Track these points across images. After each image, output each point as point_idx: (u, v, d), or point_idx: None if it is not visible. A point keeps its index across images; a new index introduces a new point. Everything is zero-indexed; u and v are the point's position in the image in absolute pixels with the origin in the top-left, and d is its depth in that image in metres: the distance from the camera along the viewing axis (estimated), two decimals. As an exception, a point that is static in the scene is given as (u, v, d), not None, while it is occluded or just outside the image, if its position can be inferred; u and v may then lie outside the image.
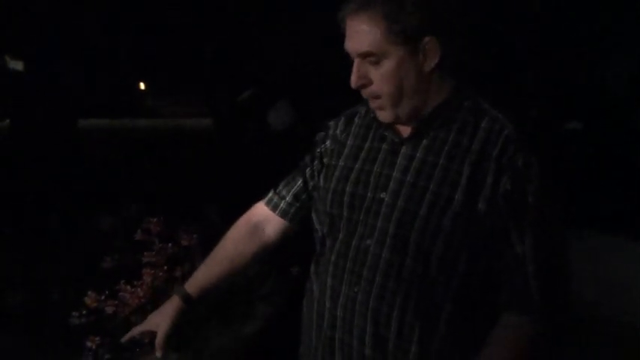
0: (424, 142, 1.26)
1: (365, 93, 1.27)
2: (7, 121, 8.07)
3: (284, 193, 1.50)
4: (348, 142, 1.38)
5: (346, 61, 1.28)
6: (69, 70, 6.72)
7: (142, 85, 13.44)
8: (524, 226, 1.19)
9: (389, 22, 1.19)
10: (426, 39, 1.21)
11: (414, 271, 1.21)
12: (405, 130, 1.30)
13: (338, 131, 1.42)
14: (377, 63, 1.22)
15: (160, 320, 1.46)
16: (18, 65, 7.97)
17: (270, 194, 1.52)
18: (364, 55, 1.23)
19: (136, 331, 1.50)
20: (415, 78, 1.23)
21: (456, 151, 1.23)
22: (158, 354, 1.43)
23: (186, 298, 1.48)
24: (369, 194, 1.28)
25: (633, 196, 5.56)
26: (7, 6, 6.17)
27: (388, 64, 1.22)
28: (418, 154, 1.26)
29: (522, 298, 1.20)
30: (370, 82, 1.25)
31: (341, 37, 1.27)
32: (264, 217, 1.52)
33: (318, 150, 1.46)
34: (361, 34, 1.21)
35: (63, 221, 3.95)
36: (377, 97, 1.26)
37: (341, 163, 1.37)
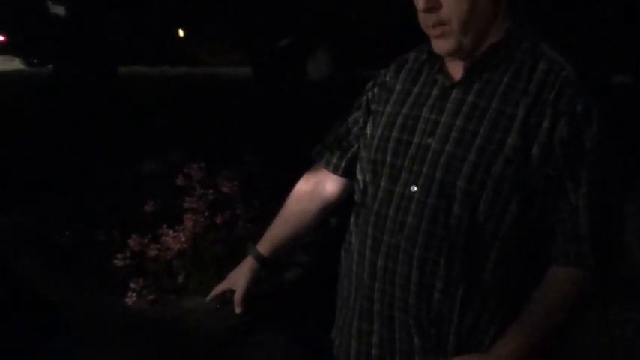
0: (476, 85, 1.21)
1: (431, 18, 1.20)
2: (50, 66, 8.18)
3: (333, 146, 1.46)
4: (397, 87, 1.34)
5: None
6: (110, 15, 6.74)
7: (181, 33, 13.39)
8: (580, 174, 1.14)
9: None
10: None
11: (461, 217, 1.18)
12: (457, 74, 1.25)
13: (387, 77, 1.39)
14: None
15: (238, 278, 1.52)
16: (60, 10, 8.01)
17: (319, 147, 1.50)
18: None
19: (218, 289, 1.55)
20: (487, 2, 1.18)
21: (510, 95, 1.17)
22: (237, 310, 1.49)
23: (260, 258, 1.52)
24: (415, 140, 1.25)
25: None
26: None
27: None
28: (469, 98, 1.21)
29: (572, 250, 1.17)
30: (440, 5, 1.18)
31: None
32: (322, 174, 1.50)
33: (365, 97, 1.43)
34: None
35: (107, 165, 4.04)
36: (443, 23, 1.19)
37: (388, 109, 1.33)
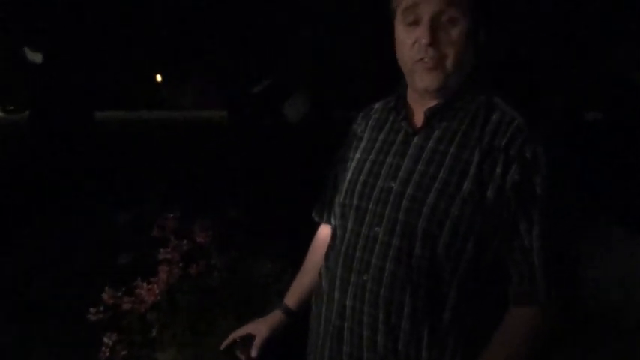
0: (436, 132, 1.28)
1: (429, 52, 1.23)
2: (27, 112, 8.15)
3: (320, 200, 1.54)
4: (365, 135, 1.41)
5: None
6: (86, 62, 6.76)
7: (158, 77, 13.49)
8: (533, 217, 1.19)
9: None
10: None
11: (422, 257, 1.22)
12: (420, 121, 1.31)
13: (355, 125, 1.46)
14: (453, 23, 1.22)
15: (262, 327, 1.55)
16: (37, 57, 8.03)
17: (317, 204, 1.56)
18: (441, 13, 1.21)
19: (237, 333, 1.57)
20: (472, 52, 1.25)
21: (466, 142, 1.24)
22: (254, 354, 1.52)
23: (287, 311, 1.57)
24: (379, 184, 1.30)
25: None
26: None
27: (462, 26, 1.22)
28: (429, 144, 1.27)
29: (529, 290, 1.20)
30: (439, 41, 1.22)
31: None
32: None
33: (341, 150, 1.49)
34: None
35: (80, 215, 3.99)
36: (441, 56, 1.23)
37: (357, 155, 1.40)
